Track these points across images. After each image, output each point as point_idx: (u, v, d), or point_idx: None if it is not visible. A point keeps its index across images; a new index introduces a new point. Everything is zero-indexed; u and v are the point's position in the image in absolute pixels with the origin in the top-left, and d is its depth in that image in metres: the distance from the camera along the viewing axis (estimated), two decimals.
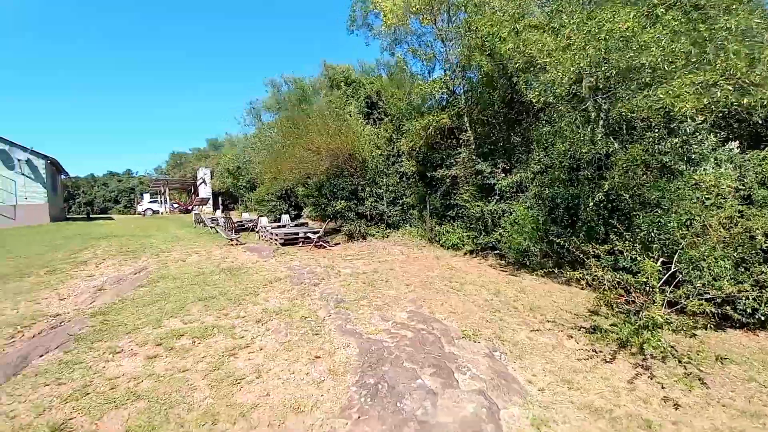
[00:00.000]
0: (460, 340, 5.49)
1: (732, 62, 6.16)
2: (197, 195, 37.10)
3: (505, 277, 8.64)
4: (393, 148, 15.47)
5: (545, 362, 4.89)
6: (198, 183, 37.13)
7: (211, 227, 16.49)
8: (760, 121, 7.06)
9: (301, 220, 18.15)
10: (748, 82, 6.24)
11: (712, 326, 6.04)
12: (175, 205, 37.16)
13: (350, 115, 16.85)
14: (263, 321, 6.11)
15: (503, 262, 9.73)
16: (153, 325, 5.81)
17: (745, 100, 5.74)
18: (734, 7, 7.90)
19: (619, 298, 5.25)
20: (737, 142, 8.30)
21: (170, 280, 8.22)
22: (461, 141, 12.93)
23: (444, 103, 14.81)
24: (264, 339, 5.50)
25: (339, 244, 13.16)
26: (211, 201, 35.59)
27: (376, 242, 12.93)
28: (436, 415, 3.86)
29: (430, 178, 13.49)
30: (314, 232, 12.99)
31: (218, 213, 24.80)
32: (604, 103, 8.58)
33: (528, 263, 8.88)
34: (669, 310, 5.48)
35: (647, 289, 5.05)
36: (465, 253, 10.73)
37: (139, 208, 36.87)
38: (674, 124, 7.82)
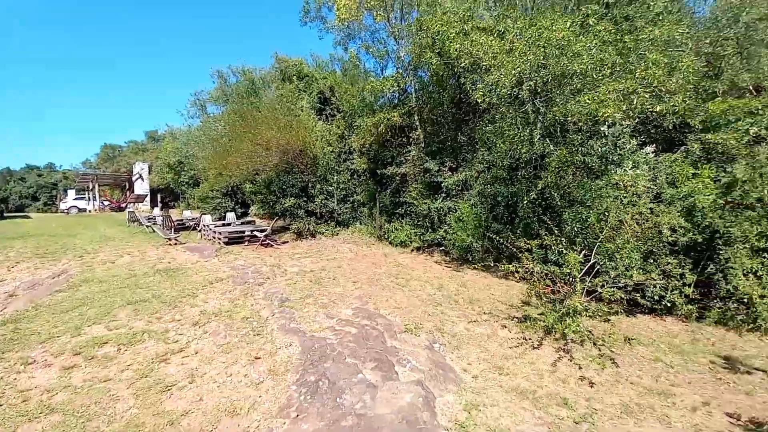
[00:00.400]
0: (402, 334, 5.63)
1: (651, 71, 6.87)
2: (132, 191, 34.36)
3: (448, 273, 8.97)
4: (345, 145, 15.39)
5: (480, 351, 5.16)
6: (134, 178, 34.38)
7: (148, 226, 15.38)
8: (670, 127, 7.94)
9: (248, 218, 17.50)
10: (664, 89, 7.00)
11: (625, 312, 6.76)
12: (106, 203, 34.20)
13: (302, 110, 16.49)
14: (201, 323, 5.84)
15: (448, 258, 10.10)
16: (71, 333, 5.32)
17: (659, 107, 6.43)
18: (660, 18, 8.76)
19: (546, 289, 5.68)
20: (653, 145, 9.24)
21: (95, 284, 7.56)
22: (411, 139, 13.18)
23: (396, 101, 15.00)
24: (200, 342, 5.26)
25: (287, 242, 12.87)
26: (148, 198, 33.11)
27: (326, 240, 12.83)
28: (374, 407, 3.94)
29: (380, 176, 13.61)
30: (261, 231, 12.59)
31: (156, 211, 23.15)
32: (542, 106, 9.17)
33: (470, 259, 9.30)
34: (588, 298, 6.03)
35: (570, 279, 5.51)
36: (412, 250, 10.98)
37: (62, 206, 33.40)
38: (601, 128, 8.55)
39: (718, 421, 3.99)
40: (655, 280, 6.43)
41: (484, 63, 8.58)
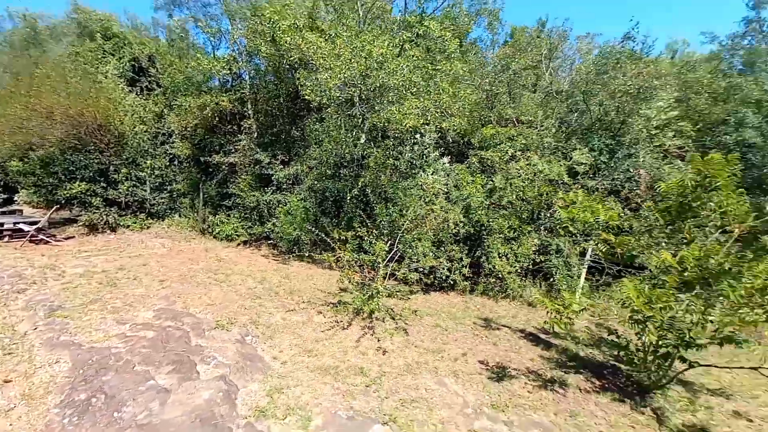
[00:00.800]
0: (212, 331, 5.31)
1: (441, 96, 8.42)
2: None
3: (274, 265, 8.91)
4: (164, 125, 13.32)
5: (293, 338, 5.34)
6: None
7: None
8: (451, 141, 9.95)
9: (14, 207, 13.21)
10: (450, 112, 8.67)
11: (423, 290, 8.12)
12: None
13: (106, 77, 13.45)
14: None
15: (276, 251, 10.00)
16: None
17: (444, 125, 7.96)
18: (453, 56, 10.78)
19: (355, 275, 6.30)
20: (449, 157, 11.30)
21: None
22: (243, 128, 12.44)
23: (228, 86, 13.90)
24: None
25: (73, 237, 10.29)
26: None
27: (132, 234, 10.85)
28: (163, 413, 3.61)
29: (206, 164, 12.35)
30: (32, 222, 9.70)
31: None
32: (367, 112, 10.07)
33: (298, 251, 9.47)
34: (396, 281, 7.03)
35: (376, 266, 6.27)
36: (239, 244, 10.41)
37: None
38: (416, 137, 9.98)
39: (472, 367, 5.23)
40: (443, 263, 7.98)
41: (313, 62, 8.85)
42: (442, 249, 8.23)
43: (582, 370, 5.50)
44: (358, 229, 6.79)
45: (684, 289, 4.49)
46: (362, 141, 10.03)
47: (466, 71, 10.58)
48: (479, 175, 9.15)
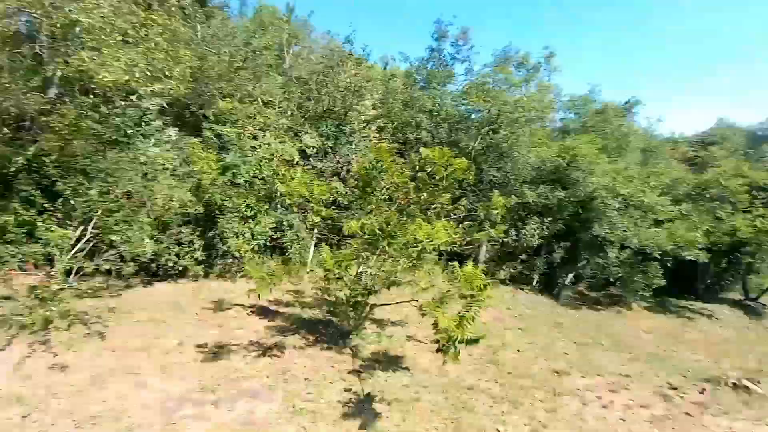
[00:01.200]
0: None
1: (155, 53, 7.18)
2: None
3: None
4: None
5: None
6: None
7: None
8: (188, 114, 8.92)
9: None
10: (168, 75, 7.54)
11: (143, 282, 7.01)
12: None
13: None
14: None
15: None
16: None
17: (157, 86, 6.91)
18: (174, 11, 9.17)
19: (12, 273, 4.64)
20: (177, 128, 9.89)
21: None
22: None
23: None
24: None
25: None
26: None
27: None
28: None
29: None
30: None
31: None
32: (55, 57, 7.43)
33: None
34: (104, 277, 5.68)
35: (55, 260, 4.83)
36: None
37: None
38: (126, 98, 8.09)
39: (188, 355, 4.91)
40: (170, 248, 7.09)
41: None
42: (170, 233, 7.28)
43: (302, 330, 6.20)
44: (24, 213, 5.00)
45: (369, 249, 5.74)
46: (52, 94, 7.42)
47: (187, 31, 9.33)
48: (213, 151, 8.55)
